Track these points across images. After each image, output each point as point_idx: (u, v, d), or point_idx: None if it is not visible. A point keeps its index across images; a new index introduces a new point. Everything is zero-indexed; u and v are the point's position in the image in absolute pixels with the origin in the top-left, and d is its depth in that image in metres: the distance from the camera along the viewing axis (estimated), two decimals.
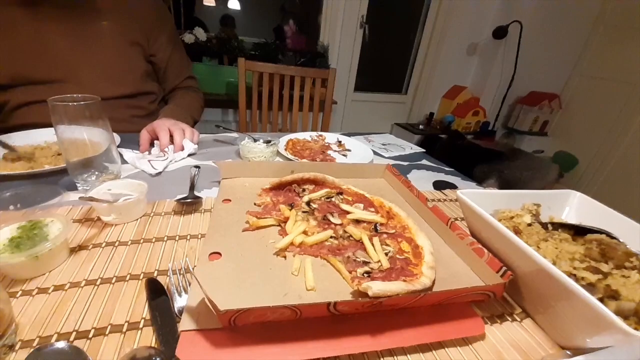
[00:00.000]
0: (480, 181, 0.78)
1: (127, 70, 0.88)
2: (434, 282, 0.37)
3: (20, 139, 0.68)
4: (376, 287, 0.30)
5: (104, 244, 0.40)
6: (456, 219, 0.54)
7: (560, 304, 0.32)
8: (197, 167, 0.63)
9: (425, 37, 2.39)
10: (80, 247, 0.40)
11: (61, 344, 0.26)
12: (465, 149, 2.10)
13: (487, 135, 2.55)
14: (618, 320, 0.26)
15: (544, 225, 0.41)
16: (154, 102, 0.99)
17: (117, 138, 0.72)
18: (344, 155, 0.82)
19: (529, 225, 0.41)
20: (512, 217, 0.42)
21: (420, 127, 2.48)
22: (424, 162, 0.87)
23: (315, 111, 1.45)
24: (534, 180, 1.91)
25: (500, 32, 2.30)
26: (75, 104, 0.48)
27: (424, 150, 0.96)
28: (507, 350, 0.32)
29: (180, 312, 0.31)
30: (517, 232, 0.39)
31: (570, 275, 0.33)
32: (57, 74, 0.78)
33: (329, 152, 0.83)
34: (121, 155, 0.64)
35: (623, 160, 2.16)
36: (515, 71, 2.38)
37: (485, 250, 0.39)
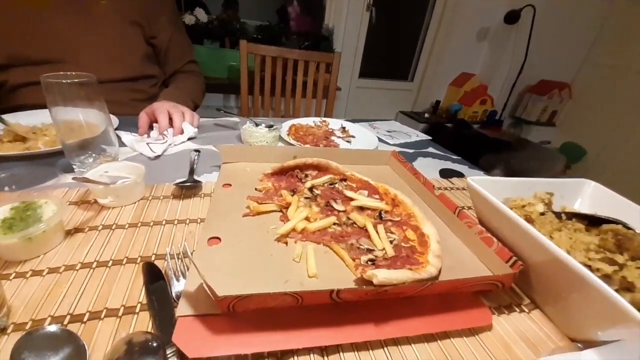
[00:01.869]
0: (486, 171, 0.76)
1: (127, 52, 0.86)
2: (440, 271, 0.35)
3: (18, 120, 0.66)
4: (381, 275, 0.29)
5: (100, 227, 0.39)
6: (463, 208, 0.52)
7: (573, 295, 0.31)
8: (197, 151, 0.61)
9: (434, 21, 2.31)
10: (76, 230, 0.39)
11: (53, 328, 0.25)
12: (471, 138, 2.06)
13: (494, 124, 2.50)
14: (637, 313, 0.24)
15: (557, 215, 0.39)
16: (154, 86, 0.96)
17: (115, 120, 0.70)
18: (347, 141, 0.80)
19: (542, 214, 0.39)
20: (523, 206, 0.40)
21: (426, 115, 2.43)
22: (430, 149, 0.84)
23: (318, 97, 1.41)
24: (540, 171, 1.89)
25: (512, 17, 2.21)
26: (69, 81, 0.46)
27: (430, 137, 0.93)
28: (515, 342, 0.31)
29: (178, 297, 0.30)
30: (529, 221, 0.38)
31: (585, 266, 0.32)
32: (55, 53, 0.76)
33: (333, 138, 0.81)
34: (119, 138, 0.63)
35: (633, 153, 2.11)
36: (526, 58, 2.30)
37: (495, 239, 0.37)
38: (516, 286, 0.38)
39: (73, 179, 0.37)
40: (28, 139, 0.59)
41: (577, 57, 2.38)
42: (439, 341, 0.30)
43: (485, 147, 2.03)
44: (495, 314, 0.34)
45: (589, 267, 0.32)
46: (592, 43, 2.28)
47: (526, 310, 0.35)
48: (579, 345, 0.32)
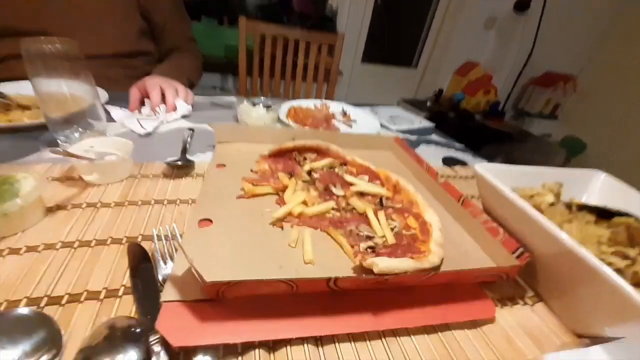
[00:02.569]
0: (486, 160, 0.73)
1: (121, 26, 0.81)
2: (442, 261, 0.34)
3: (18, 91, 0.62)
4: (382, 264, 0.27)
5: (84, 205, 0.37)
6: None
7: (582, 289, 0.29)
8: (191, 129, 0.59)
9: (441, 7, 2.22)
10: (59, 207, 0.36)
11: (26, 310, 0.23)
12: (473, 128, 2.03)
13: (497, 115, 2.46)
14: None
15: (567, 206, 0.37)
16: (150, 63, 0.92)
17: (105, 95, 0.66)
18: (349, 125, 0.77)
19: (551, 205, 0.37)
20: (532, 196, 0.39)
21: (428, 104, 2.38)
22: (434, 137, 0.82)
23: (319, 81, 1.36)
24: (540, 163, 1.88)
25: (522, 5, 2.14)
26: (50, 46, 0.42)
27: (433, 124, 0.90)
28: (519, 336, 0.30)
29: (165, 281, 0.28)
30: (539, 211, 0.36)
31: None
32: (45, 25, 0.71)
33: (333, 121, 0.77)
34: (108, 113, 0.59)
35: (633, 150, 2.10)
36: (533, 49, 2.24)
37: (501, 229, 0.35)
38: (520, 278, 0.36)
39: (50, 150, 0.34)
40: (10, 109, 0.55)
41: (585, 50, 2.32)
42: (439, 333, 0.29)
43: (487, 137, 2.01)
44: (498, 306, 0.33)
45: (602, 260, 0.31)
46: (601, 36, 2.22)
47: (530, 303, 0.34)
48: (587, 340, 0.31)
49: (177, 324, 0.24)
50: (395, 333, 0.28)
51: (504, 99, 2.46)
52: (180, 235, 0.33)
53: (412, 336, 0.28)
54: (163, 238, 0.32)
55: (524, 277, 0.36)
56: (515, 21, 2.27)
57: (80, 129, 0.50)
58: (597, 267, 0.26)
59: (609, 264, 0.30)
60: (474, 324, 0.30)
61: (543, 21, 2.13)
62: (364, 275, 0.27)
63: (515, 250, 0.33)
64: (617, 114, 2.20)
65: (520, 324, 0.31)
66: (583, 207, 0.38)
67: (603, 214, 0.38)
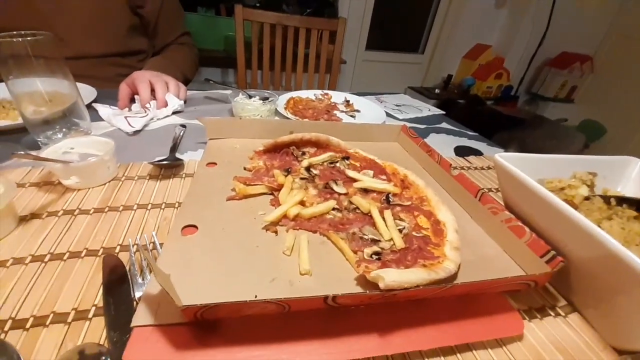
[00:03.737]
0: (501, 148, 0.68)
1: (110, 24, 0.77)
2: (459, 267, 0.29)
3: None
4: (389, 278, 0.23)
5: (61, 212, 0.34)
6: (485, 190, 0.46)
7: (625, 298, 0.25)
8: (183, 126, 0.55)
9: None
10: (33, 215, 0.33)
11: None
12: (484, 115, 1.94)
13: (509, 100, 2.36)
14: None
15: (606, 199, 0.32)
16: (142, 61, 0.88)
17: (94, 92, 0.63)
18: (352, 116, 0.72)
19: (586, 198, 0.32)
20: (562, 188, 0.34)
21: (437, 91, 2.29)
22: (444, 125, 0.76)
23: (321, 71, 1.31)
24: (557, 150, 1.78)
25: None
26: (21, 40, 0.39)
27: (443, 112, 0.85)
28: (551, 353, 0.26)
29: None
30: (572, 207, 0.31)
31: None
32: (30, 24, 0.68)
33: (335, 112, 0.73)
34: (96, 111, 0.56)
35: None
36: (548, 28, 2.11)
37: (527, 229, 0.31)
38: (550, 285, 0.32)
39: (13, 155, 0.30)
40: None
41: (601, 27, 2.18)
42: (458, 354, 0.25)
43: (500, 124, 1.92)
44: (525, 319, 0.28)
45: None
46: (617, 12, 2.07)
47: (562, 313, 0.29)
48: (628, 358, 0.26)
49: (148, 354, 0.20)
50: (405, 357, 0.24)
51: (516, 83, 2.35)
52: (162, 245, 0.30)
53: (426, 359, 0.24)
54: (141, 249, 0.29)
55: (555, 284, 0.32)
56: None
57: (63, 130, 0.47)
58: None
59: None
60: (498, 342, 0.26)
61: None
62: (367, 291, 0.23)
63: (544, 253, 0.28)
64: (638, 94, 2.06)
65: (552, 339, 0.27)
66: (623, 201, 0.33)
67: None
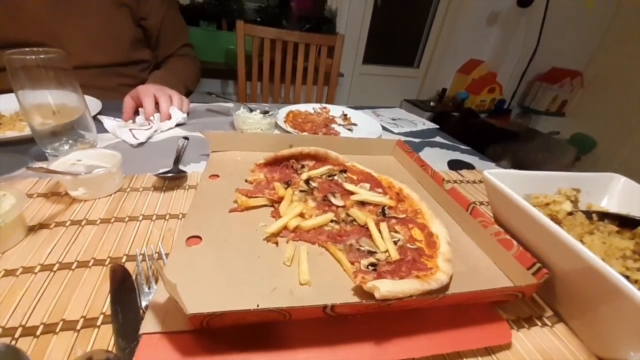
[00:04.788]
0: (493, 162, 0.70)
1: (114, 36, 0.79)
2: (451, 278, 0.31)
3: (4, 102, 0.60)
4: (384, 288, 0.24)
5: (68, 223, 0.35)
6: (476, 204, 0.48)
7: (606, 308, 0.26)
8: (185, 138, 0.57)
9: (442, 4, 2.19)
10: (41, 226, 0.34)
11: None
12: (478, 127, 1.99)
13: (502, 114, 2.42)
14: None
15: (588, 215, 0.34)
16: (145, 71, 0.91)
17: (99, 104, 0.65)
18: (349, 129, 0.75)
19: (569, 214, 0.34)
20: (547, 204, 0.36)
21: (432, 104, 2.34)
22: (438, 139, 0.79)
23: (319, 84, 1.34)
24: (549, 162, 1.82)
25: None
26: (34, 57, 0.41)
27: (437, 126, 0.87)
28: None
29: (148, 308, 0.26)
30: (556, 221, 0.33)
31: (623, 276, 0.27)
32: (35, 37, 0.70)
33: (333, 125, 0.75)
34: (101, 124, 0.58)
35: None
36: (538, 44, 2.19)
37: (514, 242, 0.32)
38: (537, 296, 0.33)
39: (28, 169, 0.32)
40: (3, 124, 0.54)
41: (590, 43, 2.26)
42: None
43: (493, 137, 1.96)
44: (514, 328, 0.30)
45: (627, 277, 0.28)
46: (606, 29, 2.16)
47: (549, 323, 0.31)
48: None
49: (157, 359, 0.21)
50: None
51: (509, 97, 2.41)
52: (167, 255, 0.31)
53: None
54: (147, 259, 0.30)
55: (542, 294, 0.33)
56: (519, 15, 2.23)
57: (70, 141, 0.48)
58: (622, 286, 0.23)
59: (635, 282, 0.27)
60: (488, 351, 0.27)
61: (548, 14, 2.09)
62: (364, 301, 0.25)
63: (531, 265, 0.30)
64: (626, 109, 2.13)
65: (539, 349, 0.28)
66: (604, 216, 0.35)
67: (626, 223, 0.35)
